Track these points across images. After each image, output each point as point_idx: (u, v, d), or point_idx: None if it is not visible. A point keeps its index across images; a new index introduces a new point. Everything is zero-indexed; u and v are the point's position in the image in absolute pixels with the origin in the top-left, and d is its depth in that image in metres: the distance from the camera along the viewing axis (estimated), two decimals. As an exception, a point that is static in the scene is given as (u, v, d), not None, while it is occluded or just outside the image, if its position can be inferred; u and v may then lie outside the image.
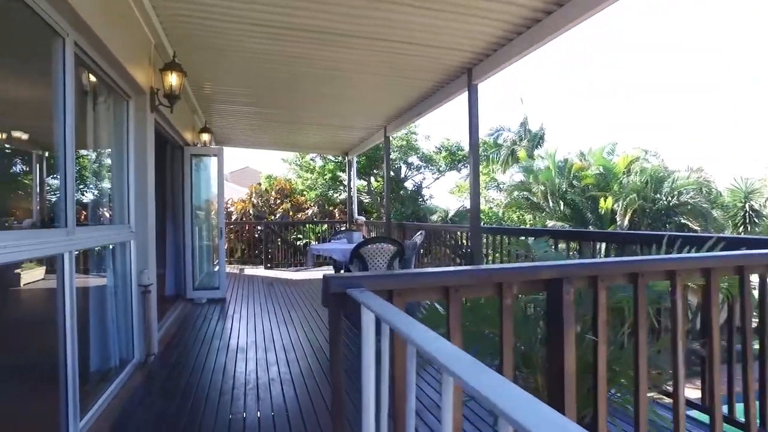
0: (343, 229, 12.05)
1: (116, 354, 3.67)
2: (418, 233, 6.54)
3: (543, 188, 15.34)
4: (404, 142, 15.33)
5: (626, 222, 13.48)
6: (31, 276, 3.85)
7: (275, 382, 3.69)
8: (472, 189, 5.15)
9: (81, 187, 4.14)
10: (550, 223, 14.87)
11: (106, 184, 3.88)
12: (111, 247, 3.72)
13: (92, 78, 3.51)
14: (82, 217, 3.69)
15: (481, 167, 19.85)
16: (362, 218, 11.40)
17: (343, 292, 1.15)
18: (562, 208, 15.33)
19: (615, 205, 13.86)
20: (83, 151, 3.52)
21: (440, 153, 15.85)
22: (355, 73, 5.56)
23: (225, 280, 7.07)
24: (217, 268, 7.21)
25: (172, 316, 5.79)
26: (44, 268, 3.56)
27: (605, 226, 13.81)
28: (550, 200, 15.23)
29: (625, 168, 14.71)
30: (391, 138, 8.50)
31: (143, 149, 4.13)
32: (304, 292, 7.65)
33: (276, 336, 5.00)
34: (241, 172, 29.36)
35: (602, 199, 13.87)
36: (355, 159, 11.65)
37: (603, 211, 13.77)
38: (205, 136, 7.27)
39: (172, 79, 4.25)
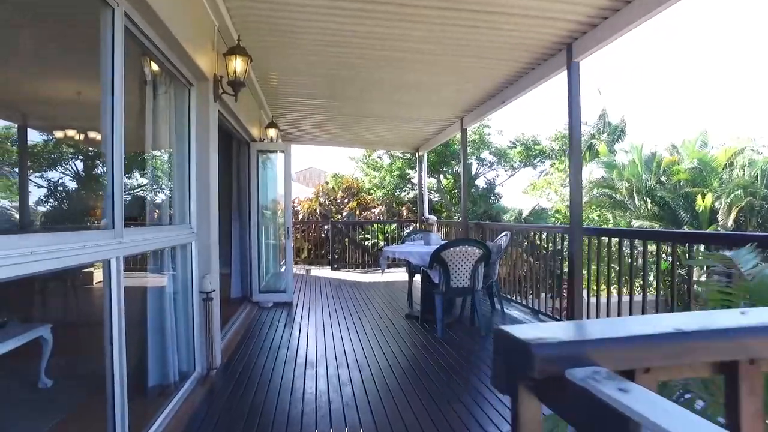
0: (411, 228, 11.50)
1: (176, 367, 3.30)
2: (503, 234, 5.84)
3: (627, 185, 13.98)
4: (476, 137, 14.53)
5: (730, 222, 11.94)
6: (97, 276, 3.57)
7: (350, 408, 3.18)
8: (572, 181, 4.41)
9: (138, 184, 3.85)
10: (636, 223, 13.52)
11: (166, 181, 3.53)
12: (170, 249, 3.35)
13: (152, 64, 3.15)
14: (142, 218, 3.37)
15: (556, 163, 18.65)
16: (433, 218, 10.78)
17: (558, 375, 0.53)
18: (649, 206, 13.92)
19: (716, 203, 12.33)
20: (141, 146, 3.17)
21: (515, 148, 14.89)
22: (429, 56, 4.96)
23: (292, 283, 6.71)
24: (283, 269, 6.87)
25: (238, 321, 5.47)
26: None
27: (703, 226, 12.32)
28: (636, 198, 13.86)
29: (726, 161, 13.09)
30: (465, 132, 7.81)
31: (206, 142, 3.76)
32: (374, 297, 7.16)
33: (348, 348, 4.50)
34: (305, 172, 29.59)
35: (699, 197, 12.38)
36: (426, 155, 11.05)
37: (700, 210, 12.29)
38: (272, 132, 6.95)
39: (237, 65, 3.85)
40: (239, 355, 4.33)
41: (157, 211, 3.37)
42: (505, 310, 5.73)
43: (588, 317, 4.81)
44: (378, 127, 8.76)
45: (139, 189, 3.77)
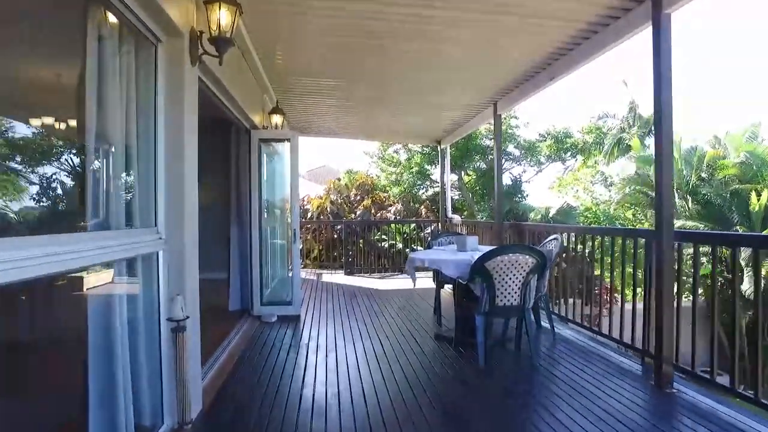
0: (431, 228, 10.50)
1: (130, 424, 2.36)
2: (551, 238, 4.84)
3: (668, 181, 12.78)
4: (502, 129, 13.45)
5: (790, 222, 10.74)
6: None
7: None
8: (659, 178, 3.38)
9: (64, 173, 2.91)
10: (678, 223, 12.35)
11: (120, 169, 2.58)
12: (125, 262, 2.42)
13: (96, 9, 2.22)
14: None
15: (582, 159, 17.48)
16: (458, 217, 9.79)
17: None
18: (690, 205, 12.75)
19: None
20: (80, 121, 2.23)
21: (544, 141, 13.77)
22: (462, 20, 3.98)
23: (299, 294, 5.77)
24: (291, 275, 5.92)
25: (233, 341, 4.54)
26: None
27: (756, 227, 11.14)
28: (676, 195, 12.67)
29: (784, 153, 11.85)
30: (500, 118, 6.77)
31: (179, 118, 2.82)
32: (394, 309, 6.19)
33: (366, 382, 3.54)
34: (319, 170, 28.59)
35: (753, 194, 11.18)
36: (449, 149, 10.05)
37: (755, 209, 11.09)
38: (277, 119, 6.01)
39: (222, 15, 2.90)
40: (229, 394, 3.38)
41: (104, 210, 2.42)
42: (556, 329, 4.72)
43: (635, 328, 3.84)
44: (396, 116, 7.78)
45: (71, 176, 2.83)
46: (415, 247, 10.59)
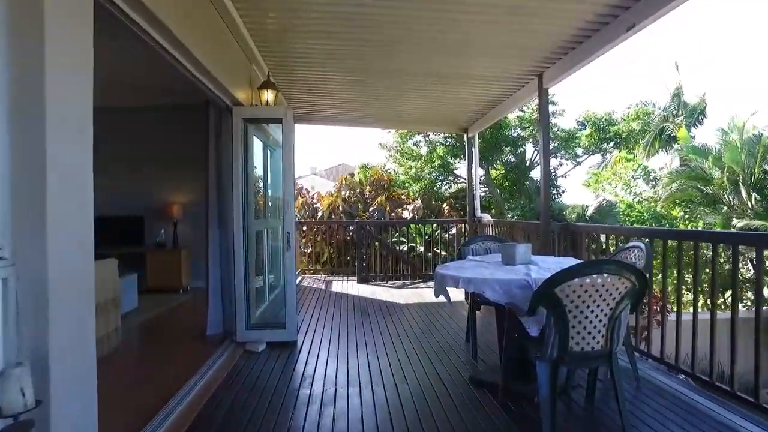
0: (454, 229, 9.24)
1: None
2: (631, 245, 3.53)
3: (727, 175, 11.23)
4: (537, 115, 11.98)
5: None
6: None
7: None
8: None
9: None
10: (739, 223, 10.80)
11: None
12: None
13: None
14: None
15: (621, 152, 15.91)
16: (488, 216, 8.51)
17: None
18: (753, 201, 11.19)
19: None
20: None
21: (583, 130, 12.31)
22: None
23: (295, 314, 4.57)
24: (284, 290, 4.74)
25: (201, 382, 3.34)
26: None
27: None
28: (743, 190, 11.09)
29: None
30: (546, 93, 5.45)
31: (35, 50, 1.62)
32: (415, 332, 4.95)
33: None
34: (334, 169, 27.42)
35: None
36: (477, 138, 8.75)
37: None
38: (269, 95, 4.81)
39: None
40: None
41: None
42: (638, 371, 3.42)
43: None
44: (418, 93, 6.51)
45: None
46: (439, 252, 9.32)
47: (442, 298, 3.40)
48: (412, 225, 9.72)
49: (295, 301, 4.57)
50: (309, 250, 9.85)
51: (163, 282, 6.94)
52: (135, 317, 5.44)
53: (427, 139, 13.21)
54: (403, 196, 11.46)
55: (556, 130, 12.28)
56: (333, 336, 4.88)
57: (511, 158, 13.19)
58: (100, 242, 8.23)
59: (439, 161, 12.07)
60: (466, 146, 8.82)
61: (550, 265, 3.27)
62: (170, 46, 2.91)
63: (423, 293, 7.23)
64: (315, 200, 11.03)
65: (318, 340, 4.73)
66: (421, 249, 9.21)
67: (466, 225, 8.72)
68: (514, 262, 3.32)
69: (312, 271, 9.52)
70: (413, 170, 12.54)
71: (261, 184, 5.91)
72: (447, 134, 12.21)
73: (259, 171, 5.82)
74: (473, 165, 8.58)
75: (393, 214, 10.59)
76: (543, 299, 2.44)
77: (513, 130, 12.84)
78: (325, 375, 3.72)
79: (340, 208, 10.56)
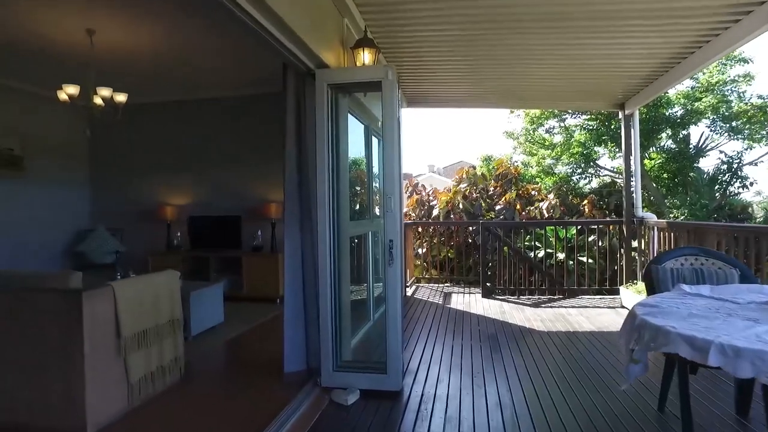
0: (613, 235, 7.30)
1: None
2: None
3: None
4: (713, 85, 9.30)
5: None
6: None
7: None
8: None
9: None
10: None
11: None
12: None
13: None
14: None
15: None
16: (654, 217, 6.53)
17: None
18: None
19: None
20: None
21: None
22: None
23: (399, 354, 3.27)
24: (386, 320, 3.46)
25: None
26: None
27: None
28: None
29: None
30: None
31: None
32: (571, 384, 3.36)
33: None
34: (453, 167, 25.94)
35: None
36: (637, 114, 6.79)
37: None
38: (365, 56, 3.60)
39: None
40: None
41: None
42: None
43: None
44: (557, 57, 4.85)
45: None
46: (585, 262, 7.43)
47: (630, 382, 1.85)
48: (548, 227, 7.95)
49: (400, 336, 3.26)
50: (424, 251, 8.58)
51: (258, 290, 6.14)
52: (213, 337, 4.55)
53: (561, 126, 11.18)
54: (533, 192, 9.67)
55: (746, 101, 9.47)
56: (453, 380, 3.51)
57: (670, 144, 10.61)
58: (201, 243, 6.78)
59: (578, 149, 10.01)
60: (622, 126, 6.87)
61: None
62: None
63: (569, 317, 5.54)
64: (431, 197, 9.71)
65: (431, 388, 3.38)
66: (561, 256, 7.43)
67: (623, 227, 6.78)
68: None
69: (427, 279, 8.23)
70: (547, 160, 10.62)
71: (366, 178, 4.79)
72: (591, 115, 10.09)
73: (359, 160, 4.69)
74: (633, 150, 6.64)
75: (524, 212, 8.88)
76: None
77: (673, 109, 10.27)
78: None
79: (460, 206, 9.10)
